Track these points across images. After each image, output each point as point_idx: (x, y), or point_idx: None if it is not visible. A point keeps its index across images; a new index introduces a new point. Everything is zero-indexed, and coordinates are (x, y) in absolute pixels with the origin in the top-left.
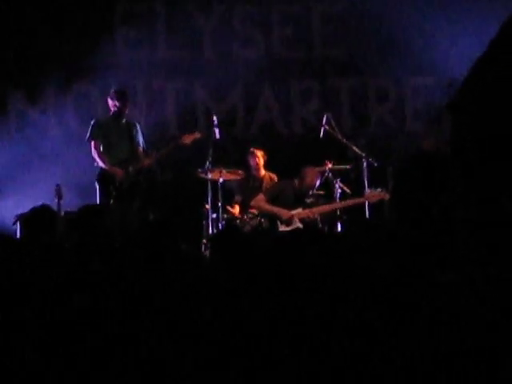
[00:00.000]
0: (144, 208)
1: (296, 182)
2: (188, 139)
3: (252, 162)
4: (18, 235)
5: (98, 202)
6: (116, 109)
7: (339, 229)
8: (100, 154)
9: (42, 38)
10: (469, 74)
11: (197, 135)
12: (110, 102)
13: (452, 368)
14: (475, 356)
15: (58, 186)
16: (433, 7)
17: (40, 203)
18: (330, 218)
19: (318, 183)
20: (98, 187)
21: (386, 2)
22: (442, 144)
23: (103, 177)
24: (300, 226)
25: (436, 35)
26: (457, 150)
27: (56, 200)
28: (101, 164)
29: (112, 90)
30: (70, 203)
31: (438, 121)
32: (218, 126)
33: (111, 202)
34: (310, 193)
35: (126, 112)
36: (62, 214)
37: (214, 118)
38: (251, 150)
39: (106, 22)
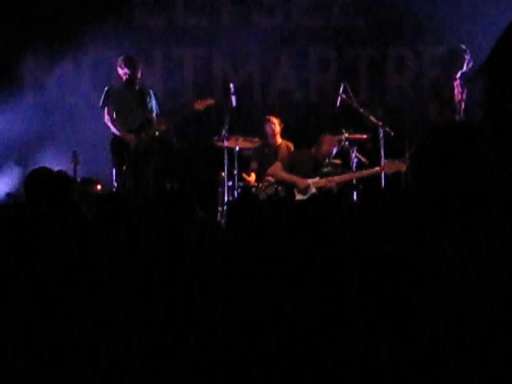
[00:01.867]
0: (159, 175)
1: (313, 150)
2: (201, 105)
3: (268, 130)
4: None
5: (112, 168)
6: (127, 76)
7: (355, 198)
8: (113, 121)
9: (57, 4)
10: (501, 37)
11: (210, 101)
12: (119, 70)
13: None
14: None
15: (74, 152)
16: None
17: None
18: (345, 187)
19: (334, 151)
20: (111, 154)
21: None
22: (446, 111)
23: (116, 143)
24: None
25: (458, 4)
26: (491, 114)
27: (72, 166)
28: (114, 131)
29: (120, 58)
30: (86, 169)
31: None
32: (235, 93)
33: (124, 168)
34: (327, 161)
35: (138, 78)
36: (79, 180)
37: (231, 85)
38: (268, 117)
39: None
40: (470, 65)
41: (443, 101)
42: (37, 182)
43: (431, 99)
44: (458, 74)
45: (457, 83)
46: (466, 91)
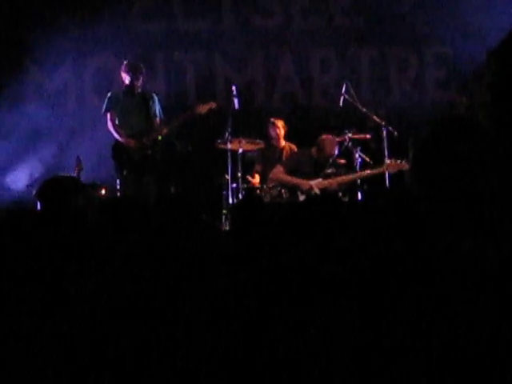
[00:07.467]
0: (162, 179)
1: (313, 151)
2: (203, 109)
3: (272, 133)
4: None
5: (115, 173)
6: (128, 82)
7: (359, 198)
8: (115, 127)
9: (60, 11)
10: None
11: (212, 105)
12: (122, 75)
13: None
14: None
15: (77, 158)
16: None
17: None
18: (350, 188)
19: (336, 151)
20: (113, 159)
21: None
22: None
23: (118, 149)
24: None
25: (457, 4)
26: (498, 101)
27: (76, 172)
28: (116, 136)
29: (124, 63)
30: (90, 175)
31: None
32: (238, 96)
33: (125, 173)
34: (330, 161)
35: (139, 84)
36: None
37: (233, 87)
38: (272, 120)
39: None
40: None
41: (472, 97)
42: (53, 191)
43: (460, 95)
44: None
45: None
46: None
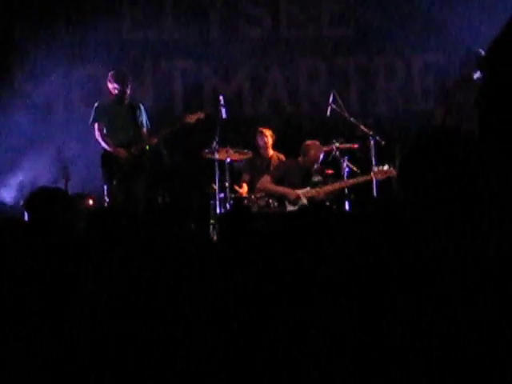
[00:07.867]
0: (150, 188)
1: (300, 159)
2: (192, 119)
3: (261, 142)
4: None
5: (103, 183)
6: (117, 91)
7: (347, 207)
8: (103, 137)
9: (48, 18)
10: (502, 31)
11: (200, 115)
12: (109, 85)
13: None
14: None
15: (64, 168)
16: None
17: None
18: (337, 197)
19: (321, 156)
20: (102, 169)
21: None
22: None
23: (107, 158)
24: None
25: (446, 12)
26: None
27: (63, 182)
28: (105, 146)
29: (110, 73)
30: (77, 185)
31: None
32: (225, 105)
33: (114, 183)
34: (315, 167)
35: (128, 93)
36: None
37: (221, 97)
38: (260, 129)
39: (114, 1)
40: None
41: (450, 107)
42: (40, 201)
43: (437, 105)
44: (475, 77)
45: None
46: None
